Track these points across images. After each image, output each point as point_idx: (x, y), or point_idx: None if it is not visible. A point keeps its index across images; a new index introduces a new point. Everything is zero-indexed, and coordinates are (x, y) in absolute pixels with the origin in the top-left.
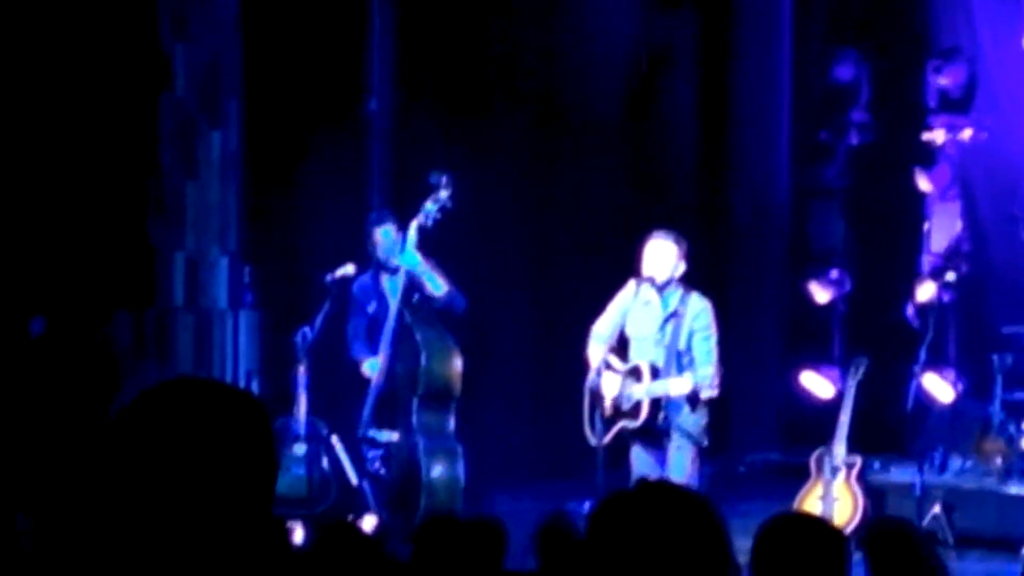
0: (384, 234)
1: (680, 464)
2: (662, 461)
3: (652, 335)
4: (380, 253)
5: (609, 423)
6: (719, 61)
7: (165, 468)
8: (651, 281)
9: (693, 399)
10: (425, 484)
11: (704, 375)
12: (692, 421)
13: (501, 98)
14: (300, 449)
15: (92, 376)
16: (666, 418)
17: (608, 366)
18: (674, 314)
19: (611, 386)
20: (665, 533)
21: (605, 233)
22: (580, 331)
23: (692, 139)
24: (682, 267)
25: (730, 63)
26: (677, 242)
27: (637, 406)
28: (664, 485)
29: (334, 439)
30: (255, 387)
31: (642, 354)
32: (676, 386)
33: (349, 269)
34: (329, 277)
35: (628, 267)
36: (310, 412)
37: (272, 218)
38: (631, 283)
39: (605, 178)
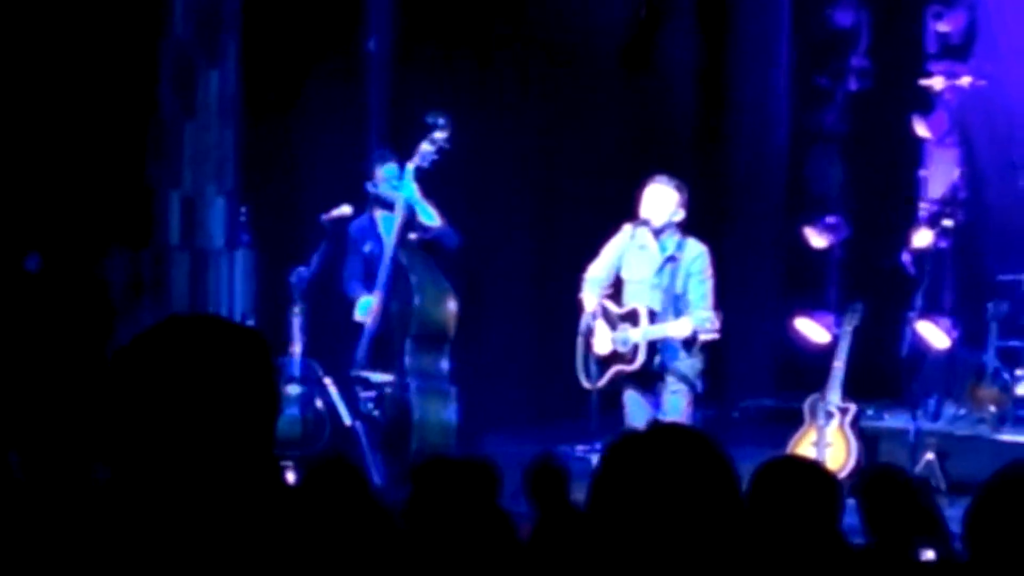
0: (388, 171)
1: (675, 408)
2: (656, 405)
3: (649, 279)
4: (382, 190)
5: (604, 367)
6: (718, 6)
7: (168, 402)
8: (648, 225)
9: (690, 343)
10: (417, 425)
11: (702, 317)
12: (688, 365)
13: (501, 39)
14: (294, 389)
15: (87, 313)
16: (662, 362)
17: (604, 310)
18: (671, 258)
19: (603, 332)
20: (678, 473)
21: (603, 177)
22: (577, 275)
23: (691, 84)
24: (681, 214)
25: (729, 8)
26: (678, 188)
27: (634, 350)
28: (676, 427)
29: (327, 380)
30: (250, 326)
31: (638, 298)
32: (674, 329)
33: (346, 209)
34: (325, 217)
35: (626, 211)
36: (305, 353)
37: (269, 158)
38: (627, 227)
39: (604, 122)
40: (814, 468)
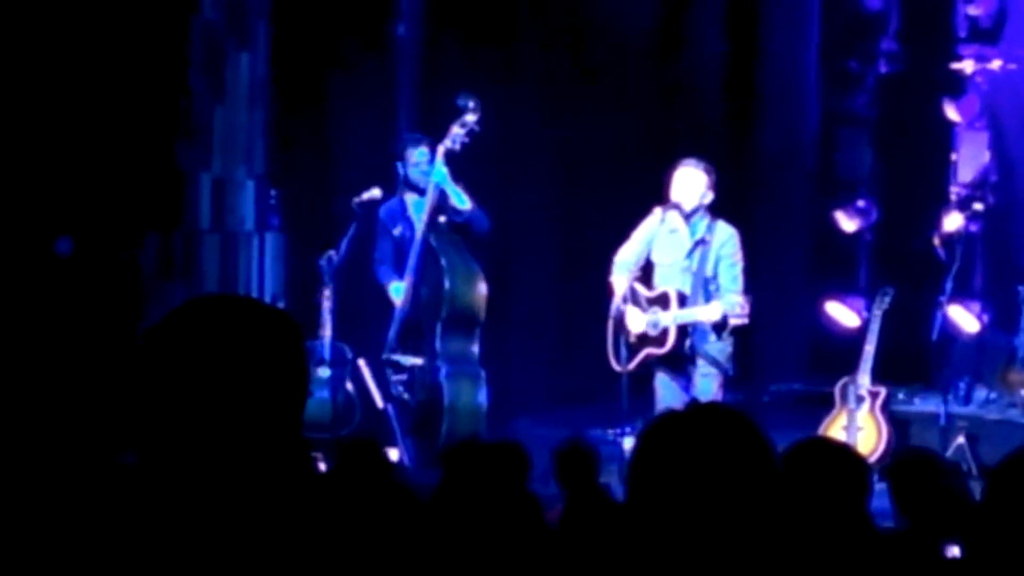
0: (420, 155)
1: (706, 390)
2: (687, 388)
3: (679, 262)
4: (413, 173)
5: (634, 350)
6: None
7: (197, 382)
8: (678, 208)
9: (720, 327)
10: (447, 409)
11: (732, 302)
12: (718, 348)
13: (530, 23)
14: (324, 372)
15: (118, 296)
16: (692, 345)
17: (634, 293)
18: (701, 241)
19: (636, 313)
20: (718, 452)
21: (632, 160)
22: (605, 258)
23: (720, 67)
24: (710, 196)
25: None
26: (707, 171)
27: (664, 333)
28: (715, 406)
29: (361, 362)
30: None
31: (668, 281)
32: (705, 313)
33: (375, 192)
34: (355, 200)
35: (654, 194)
36: (335, 336)
37: (299, 141)
38: (657, 210)
39: (632, 105)
40: (843, 450)
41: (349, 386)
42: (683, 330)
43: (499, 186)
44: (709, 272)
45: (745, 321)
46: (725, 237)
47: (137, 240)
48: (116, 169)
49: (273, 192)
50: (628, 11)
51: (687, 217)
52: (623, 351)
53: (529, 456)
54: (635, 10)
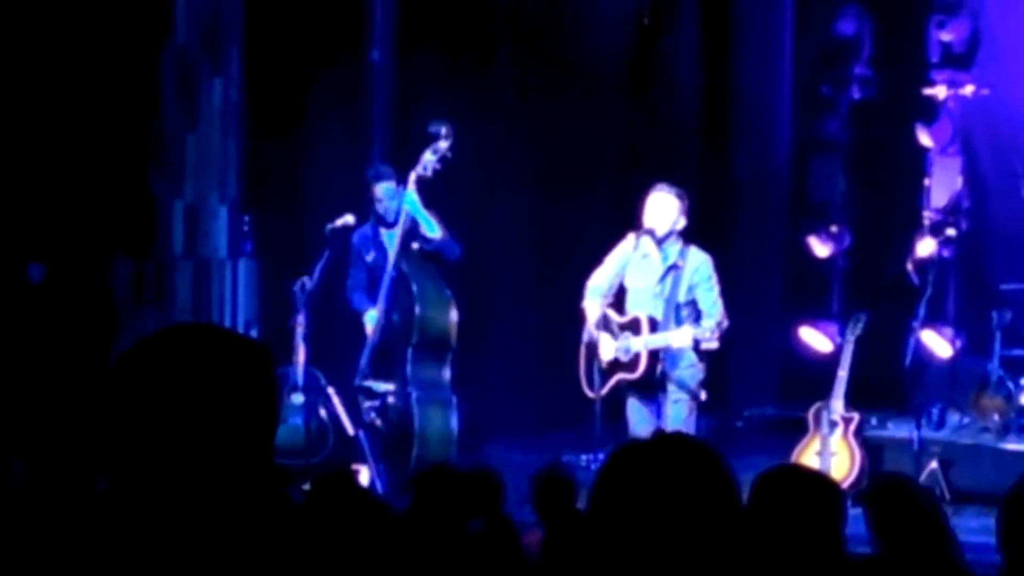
0: (385, 190)
1: (677, 417)
2: (659, 414)
3: (651, 288)
4: (380, 208)
5: (606, 376)
6: (722, 14)
7: (167, 411)
8: (651, 234)
9: (692, 351)
10: (418, 434)
11: (703, 327)
12: (689, 374)
13: (503, 49)
14: (298, 399)
15: (90, 322)
16: (663, 371)
17: (606, 320)
18: (674, 267)
19: (608, 340)
20: (679, 484)
21: (606, 185)
22: (579, 284)
23: (694, 92)
24: (683, 221)
25: (732, 15)
26: (679, 196)
27: (636, 358)
28: (679, 436)
29: (331, 390)
30: (253, 336)
31: (640, 306)
32: (676, 338)
33: (349, 219)
34: (329, 227)
35: (629, 219)
36: (308, 362)
37: (272, 167)
38: (630, 236)
39: (607, 130)
40: (816, 477)
41: (322, 412)
42: (655, 355)
43: (473, 211)
44: (681, 298)
45: (715, 346)
46: (698, 262)
47: (109, 266)
48: (89, 195)
49: (246, 218)
50: (603, 37)
51: (659, 242)
52: (596, 377)
53: (503, 482)
54: (610, 36)
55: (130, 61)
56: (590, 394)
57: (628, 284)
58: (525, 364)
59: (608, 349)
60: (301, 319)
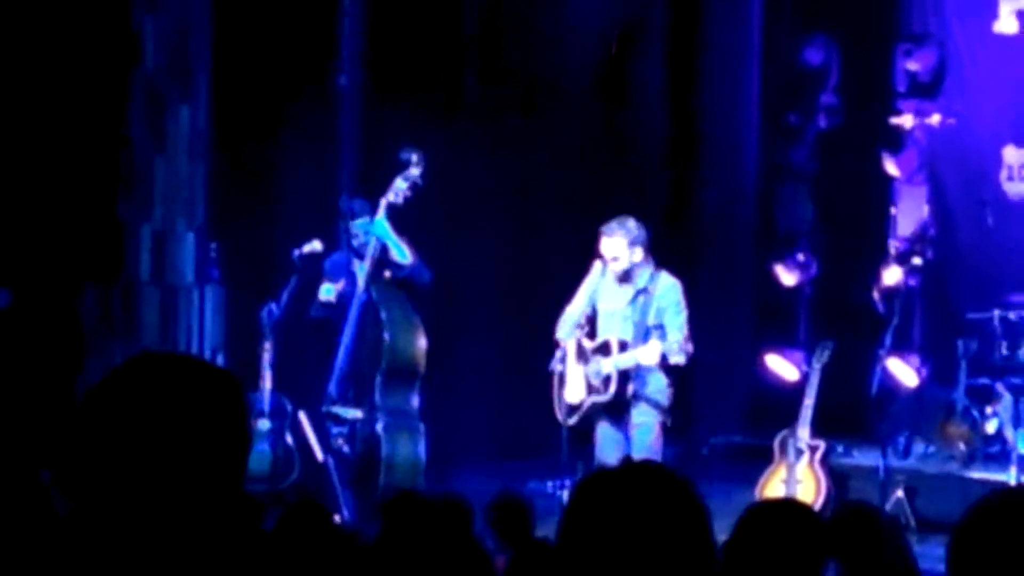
0: (361, 226)
1: (642, 441)
2: (628, 438)
3: (621, 311)
4: (355, 243)
5: (576, 407)
6: (689, 42)
7: (138, 442)
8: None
9: (663, 374)
10: (385, 461)
11: (671, 340)
12: (661, 394)
13: (472, 75)
14: (264, 425)
15: (57, 349)
16: (634, 392)
17: (579, 347)
18: (643, 290)
19: (578, 377)
20: (647, 512)
21: (574, 213)
22: (547, 311)
23: (661, 120)
24: (638, 253)
25: (700, 44)
26: (626, 232)
27: (607, 380)
28: (648, 464)
29: (301, 415)
30: (220, 363)
31: (611, 330)
32: (644, 355)
33: (316, 245)
34: (296, 253)
35: (593, 246)
36: (275, 388)
37: (240, 193)
38: (597, 263)
39: (575, 158)
40: (806, 512)
41: (289, 438)
42: (625, 377)
43: (442, 237)
44: (650, 321)
45: (682, 361)
46: (667, 287)
47: (77, 292)
48: (56, 220)
49: (213, 244)
50: (571, 64)
51: (624, 275)
52: (564, 408)
53: (471, 509)
54: (578, 63)
55: (98, 87)
56: (563, 421)
57: (599, 307)
58: (492, 391)
59: (577, 389)
60: (268, 345)
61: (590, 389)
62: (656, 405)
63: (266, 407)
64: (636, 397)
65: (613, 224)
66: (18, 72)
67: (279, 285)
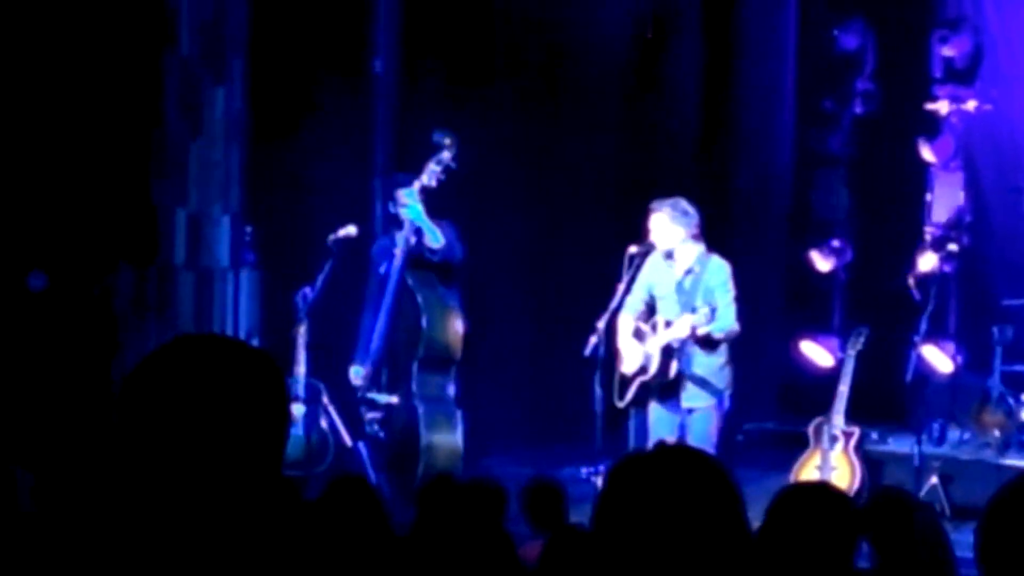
0: (408, 195)
1: (698, 428)
2: (682, 421)
3: (671, 293)
4: (395, 210)
5: (627, 384)
6: (724, 28)
7: (181, 422)
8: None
9: (707, 346)
10: (424, 448)
11: (702, 312)
12: (705, 365)
13: (506, 59)
14: (298, 410)
15: (92, 332)
16: (680, 370)
17: (638, 331)
18: (691, 271)
19: (634, 350)
20: (681, 497)
21: (607, 198)
22: (579, 296)
23: (696, 106)
24: (682, 232)
25: (735, 29)
26: (672, 208)
27: (651, 360)
28: (681, 448)
29: (325, 399)
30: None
31: (664, 311)
32: (676, 330)
33: (351, 230)
34: (331, 238)
35: (628, 233)
36: (309, 373)
37: (275, 177)
38: (632, 248)
39: (608, 143)
40: (837, 495)
41: (323, 423)
42: (668, 355)
43: (473, 221)
44: (698, 302)
45: (717, 334)
46: (715, 267)
47: (112, 275)
48: (91, 204)
49: (248, 228)
50: (605, 49)
51: (669, 255)
52: (617, 388)
53: (506, 494)
54: (612, 48)
55: (133, 71)
56: (618, 404)
57: (655, 292)
58: (525, 376)
59: (633, 359)
60: (302, 329)
61: (639, 369)
62: (707, 386)
63: (300, 392)
64: (684, 377)
65: (664, 200)
66: (53, 56)
67: (314, 269)
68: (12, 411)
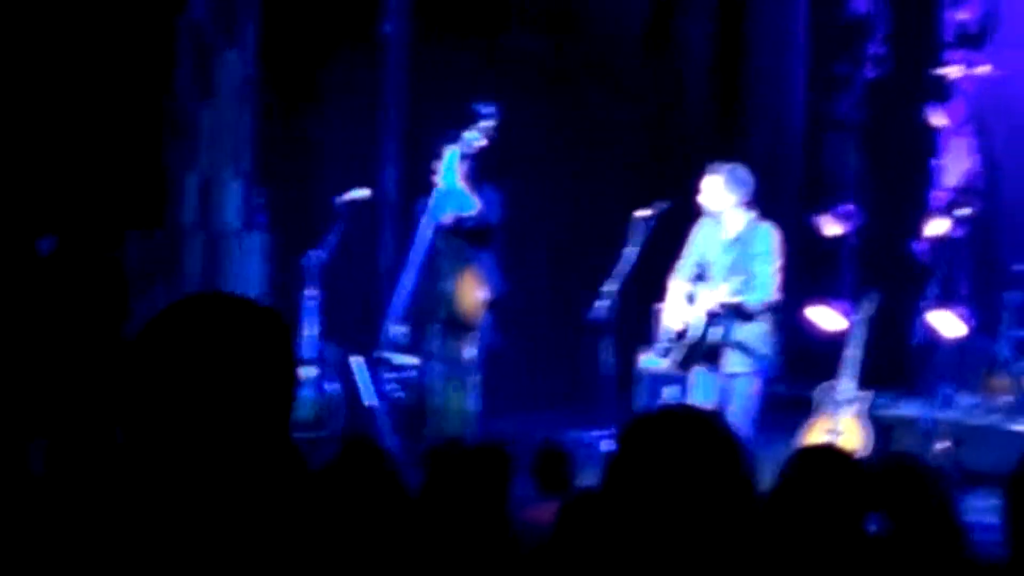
0: (447, 161)
1: (739, 392)
2: (724, 386)
3: (720, 258)
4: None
5: (674, 344)
6: None
7: (190, 381)
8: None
9: (746, 315)
10: (435, 410)
11: (737, 279)
12: (746, 331)
13: (517, 24)
14: (310, 372)
15: (102, 295)
16: (724, 337)
17: (691, 296)
18: (738, 238)
19: (679, 310)
20: (687, 459)
21: (619, 162)
22: (593, 260)
23: (708, 70)
24: (733, 197)
25: None
26: (730, 174)
27: (692, 324)
28: (687, 410)
29: (358, 359)
30: None
31: (712, 276)
32: (715, 297)
33: (362, 192)
34: (341, 200)
35: (644, 197)
36: (319, 335)
37: (285, 140)
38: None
39: (620, 107)
40: (849, 459)
41: (334, 385)
42: (710, 321)
43: (486, 185)
44: (745, 268)
45: (752, 304)
46: (763, 234)
47: (121, 238)
48: (102, 168)
49: (259, 191)
50: (617, 12)
51: (720, 219)
52: (663, 347)
53: (512, 457)
54: (624, 11)
55: (145, 34)
56: (663, 364)
57: (705, 257)
58: (538, 340)
59: (674, 322)
60: (313, 292)
61: (684, 332)
62: (750, 352)
63: (311, 354)
64: (727, 343)
65: (722, 165)
66: (64, 21)
67: (324, 232)
68: (23, 375)
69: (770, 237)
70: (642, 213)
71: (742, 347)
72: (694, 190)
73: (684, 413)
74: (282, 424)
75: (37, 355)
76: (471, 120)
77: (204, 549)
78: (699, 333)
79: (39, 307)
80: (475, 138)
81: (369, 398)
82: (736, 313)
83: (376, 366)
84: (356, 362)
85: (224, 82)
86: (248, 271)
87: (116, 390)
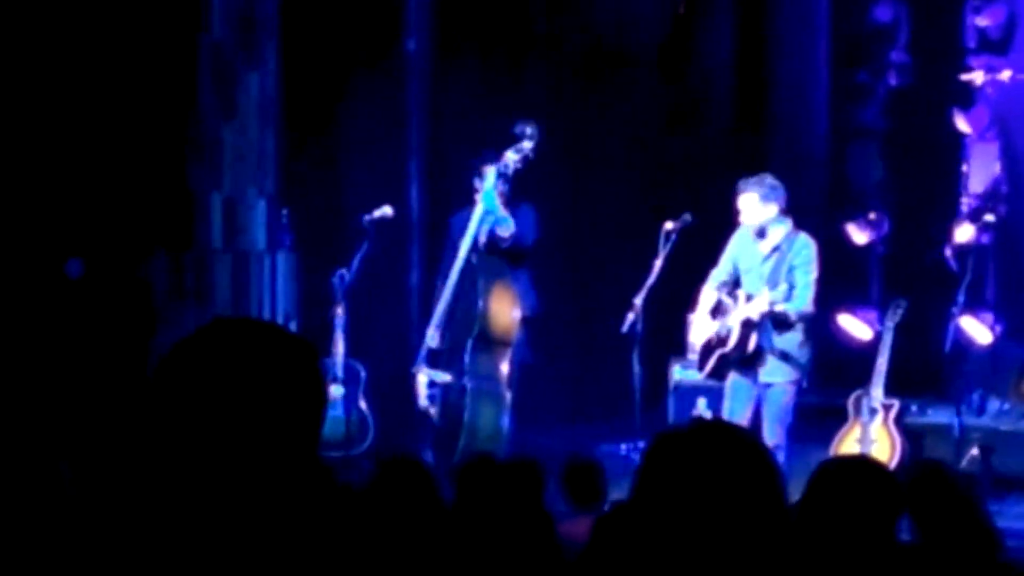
0: (488, 180)
1: (775, 402)
2: (759, 395)
3: (757, 268)
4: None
5: (707, 354)
6: (757, 2)
7: (217, 406)
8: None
9: (783, 324)
10: (467, 426)
11: (780, 289)
12: (786, 339)
13: (540, 39)
14: (337, 391)
15: (129, 317)
16: (759, 345)
17: (720, 304)
18: (778, 248)
19: (705, 322)
20: (717, 472)
21: (644, 175)
22: (618, 273)
23: (730, 80)
24: (770, 210)
25: (768, 4)
26: (760, 186)
27: (730, 333)
28: (718, 423)
29: (426, 372)
30: (293, 329)
31: (748, 286)
32: (755, 306)
33: (387, 210)
34: (367, 218)
35: (663, 211)
36: (347, 354)
37: (310, 160)
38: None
39: (644, 119)
40: (880, 470)
41: (362, 404)
42: (748, 329)
43: (510, 199)
44: (782, 278)
45: (791, 313)
46: (801, 245)
47: (148, 260)
48: (127, 189)
49: (284, 211)
50: (639, 25)
51: (760, 232)
52: (698, 356)
53: (544, 472)
54: (646, 23)
55: (167, 56)
56: (698, 375)
57: (740, 267)
58: (566, 353)
59: (702, 333)
60: (340, 310)
61: (718, 341)
62: (788, 360)
63: (339, 373)
64: (764, 352)
65: (749, 180)
66: (88, 42)
67: (350, 250)
68: (52, 398)
69: (809, 247)
70: (671, 225)
71: (781, 356)
72: (718, 201)
73: (716, 427)
74: (311, 446)
75: (67, 376)
76: (509, 139)
77: (234, 571)
78: (736, 343)
79: (68, 329)
80: (515, 159)
81: (423, 399)
82: (775, 323)
83: (412, 380)
84: (426, 374)
85: (247, 102)
86: (275, 291)
87: (144, 413)
